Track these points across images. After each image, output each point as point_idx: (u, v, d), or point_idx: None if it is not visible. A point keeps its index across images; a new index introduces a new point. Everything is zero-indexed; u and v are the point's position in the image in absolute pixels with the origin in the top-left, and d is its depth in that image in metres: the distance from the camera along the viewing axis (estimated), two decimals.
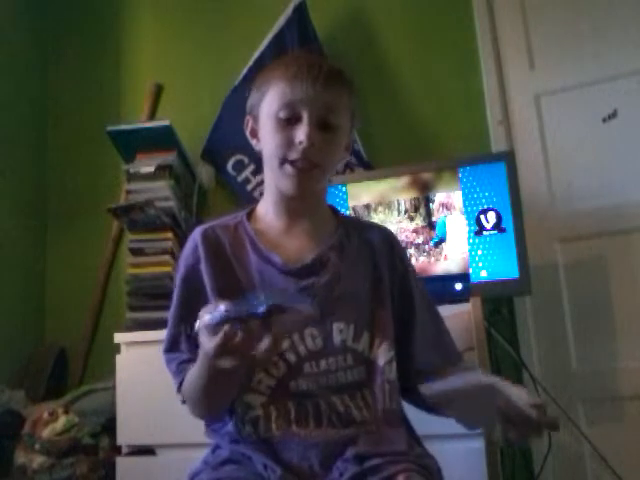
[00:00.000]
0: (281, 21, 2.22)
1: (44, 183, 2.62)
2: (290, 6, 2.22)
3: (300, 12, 2.22)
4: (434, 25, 2.27)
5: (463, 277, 1.80)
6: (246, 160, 2.23)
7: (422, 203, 1.88)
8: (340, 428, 1.00)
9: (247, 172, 2.23)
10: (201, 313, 0.86)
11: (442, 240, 1.85)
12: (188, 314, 1.04)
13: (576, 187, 2.03)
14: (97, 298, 2.44)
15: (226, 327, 0.82)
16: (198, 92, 2.46)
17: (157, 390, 1.82)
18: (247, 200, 2.14)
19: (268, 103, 1.08)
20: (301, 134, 1.04)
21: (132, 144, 2.27)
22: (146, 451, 1.83)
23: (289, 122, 1.05)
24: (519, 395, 0.88)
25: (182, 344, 1.08)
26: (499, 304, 1.98)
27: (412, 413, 1.13)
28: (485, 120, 2.15)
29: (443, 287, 1.78)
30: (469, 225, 1.83)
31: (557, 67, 2.11)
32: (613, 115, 2.01)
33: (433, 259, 1.85)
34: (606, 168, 2.00)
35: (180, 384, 1.06)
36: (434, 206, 1.87)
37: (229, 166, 2.26)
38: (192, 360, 1.01)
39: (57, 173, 2.62)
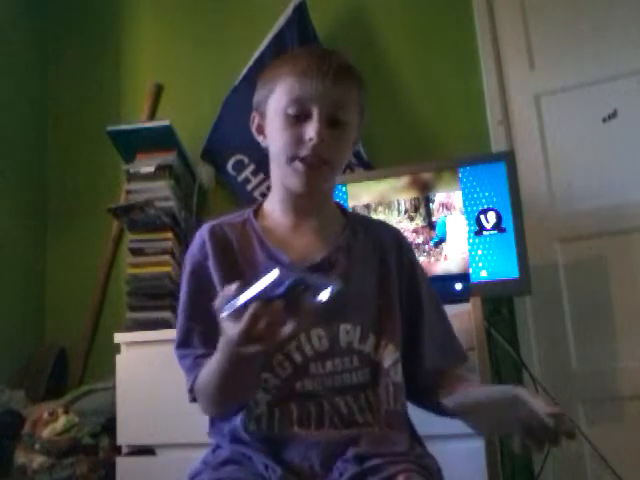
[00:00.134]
0: (281, 21, 2.22)
1: (44, 183, 2.62)
2: (290, 6, 2.22)
3: (300, 12, 2.22)
4: (434, 25, 2.27)
5: (463, 277, 1.80)
6: (246, 160, 2.24)
7: (422, 203, 1.88)
8: (342, 429, 1.00)
9: (247, 172, 2.23)
10: (221, 300, 0.85)
11: (442, 240, 1.85)
12: (198, 310, 1.05)
13: (576, 187, 2.03)
14: (97, 298, 2.44)
15: (249, 311, 0.80)
16: (198, 92, 2.46)
17: (157, 390, 1.83)
18: (247, 200, 2.14)
19: (276, 99, 1.07)
20: (311, 131, 1.03)
21: (132, 144, 2.27)
22: (146, 451, 1.83)
23: (298, 119, 1.04)
24: (539, 405, 0.87)
25: (195, 339, 1.06)
26: (499, 304, 1.98)
27: (412, 413, 1.13)
28: (485, 120, 2.15)
29: (443, 287, 1.78)
30: (469, 225, 1.83)
31: (557, 67, 2.11)
32: (613, 115, 2.01)
33: (433, 259, 1.85)
34: (606, 168, 2.00)
35: (194, 380, 1.04)
36: (434, 206, 1.87)
37: (229, 166, 2.26)
38: (207, 355, 1.00)
39: (57, 173, 2.62)
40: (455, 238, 1.84)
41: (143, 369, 1.88)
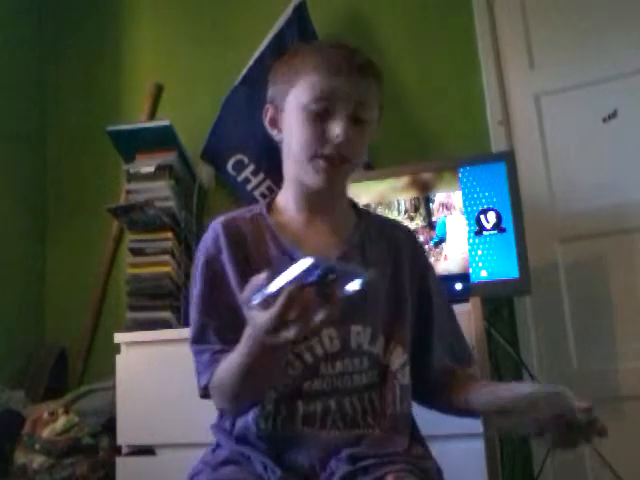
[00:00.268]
0: (281, 21, 2.22)
1: (44, 183, 2.62)
2: (290, 6, 2.22)
3: (300, 12, 2.21)
4: (434, 25, 2.27)
5: (463, 277, 1.80)
6: (246, 160, 2.23)
7: (422, 203, 1.88)
8: (344, 430, 1.00)
9: (247, 172, 2.23)
10: (250, 289, 0.83)
11: (442, 240, 1.85)
12: (213, 305, 1.05)
13: (576, 187, 2.03)
14: (97, 298, 2.44)
15: (283, 296, 0.78)
16: (198, 92, 2.46)
17: (157, 390, 1.83)
18: (247, 200, 2.14)
19: (298, 94, 1.05)
20: (337, 129, 1.01)
21: (132, 144, 2.27)
22: (146, 451, 1.83)
23: (321, 115, 1.03)
24: (576, 402, 0.89)
25: (211, 335, 1.04)
26: (499, 304, 1.98)
27: (413, 413, 1.13)
28: (485, 120, 2.15)
29: (443, 287, 1.78)
30: (469, 225, 1.83)
31: (557, 67, 2.11)
32: (613, 115, 2.01)
33: (433, 259, 1.84)
34: (606, 168, 2.00)
35: (211, 376, 1.02)
36: (434, 206, 1.87)
37: (229, 166, 2.26)
38: (225, 351, 0.99)
39: (57, 173, 2.62)
40: (455, 238, 1.84)
41: (143, 369, 1.88)
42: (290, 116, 1.06)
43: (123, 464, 1.82)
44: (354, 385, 1.02)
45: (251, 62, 2.24)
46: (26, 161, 2.58)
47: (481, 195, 1.83)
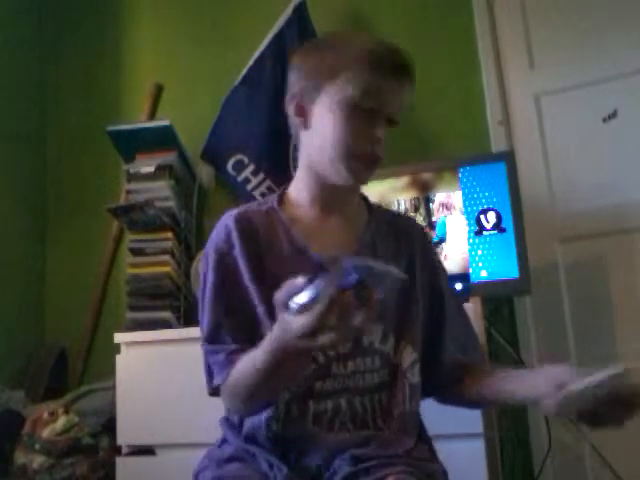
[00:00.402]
0: (281, 21, 2.22)
1: (44, 183, 2.62)
2: (290, 6, 2.22)
3: (300, 12, 2.21)
4: (434, 25, 2.27)
5: (463, 277, 1.80)
6: (246, 160, 2.23)
7: (422, 203, 1.88)
8: (353, 432, 0.99)
9: (247, 172, 2.23)
10: (285, 293, 0.81)
11: (442, 240, 1.85)
12: (226, 303, 1.03)
13: (576, 187, 2.03)
14: (97, 298, 2.44)
15: (323, 301, 0.76)
16: (198, 92, 2.46)
17: (157, 390, 1.83)
18: (247, 200, 2.14)
19: (341, 88, 1.00)
20: (381, 130, 1.00)
21: (132, 144, 2.27)
22: (146, 451, 1.83)
23: (365, 112, 1.00)
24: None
25: (225, 335, 1.02)
26: (499, 304, 1.98)
27: None
28: (485, 120, 2.15)
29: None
30: (469, 225, 1.83)
31: (557, 67, 2.11)
32: (613, 115, 2.01)
33: None
34: (606, 168, 2.00)
35: (226, 377, 1.00)
36: (434, 206, 1.87)
37: (229, 166, 2.26)
38: (240, 351, 0.97)
39: (57, 173, 2.62)
40: (455, 238, 1.84)
41: (143, 369, 1.88)
42: (326, 109, 1.02)
43: (123, 464, 1.83)
44: (365, 384, 1.02)
45: (251, 62, 2.24)
46: (26, 161, 2.58)
47: (481, 195, 1.83)
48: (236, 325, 1.02)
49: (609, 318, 1.94)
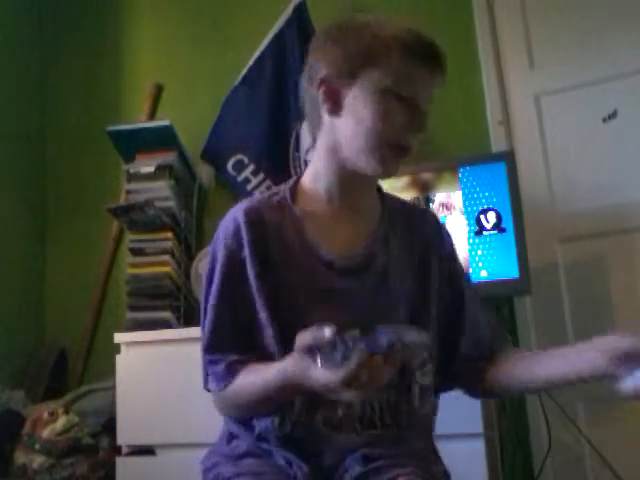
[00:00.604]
0: (281, 21, 2.22)
1: (44, 183, 2.62)
2: (290, 6, 2.22)
3: (300, 12, 2.22)
4: (434, 25, 2.26)
5: None
6: (246, 160, 2.23)
7: (422, 203, 1.88)
8: (362, 432, 0.98)
9: (247, 172, 2.23)
10: (310, 340, 0.81)
11: None
12: (230, 308, 1.00)
13: (576, 187, 2.03)
14: (97, 298, 2.44)
15: (355, 363, 0.79)
16: (198, 92, 2.46)
17: (157, 390, 1.83)
18: None
19: (382, 72, 0.97)
20: (422, 120, 0.98)
21: (132, 144, 2.27)
22: (146, 451, 1.83)
23: (405, 101, 0.97)
24: None
25: (226, 342, 0.99)
26: (499, 304, 1.98)
27: None
28: (485, 120, 2.15)
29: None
30: (469, 225, 1.83)
31: (557, 67, 2.11)
32: (613, 115, 2.01)
33: None
34: (606, 168, 2.00)
35: (224, 387, 0.99)
36: (434, 206, 1.87)
37: (229, 166, 2.26)
38: (241, 362, 0.97)
39: (57, 173, 2.62)
40: (455, 238, 1.84)
41: (143, 369, 1.88)
42: (363, 95, 0.98)
43: (123, 464, 1.83)
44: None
45: (251, 62, 2.24)
46: (26, 161, 2.58)
47: (481, 195, 1.83)
48: (238, 332, 1.00)
49: (609, 318, 1.94)
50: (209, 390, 1.03)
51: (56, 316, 2.50)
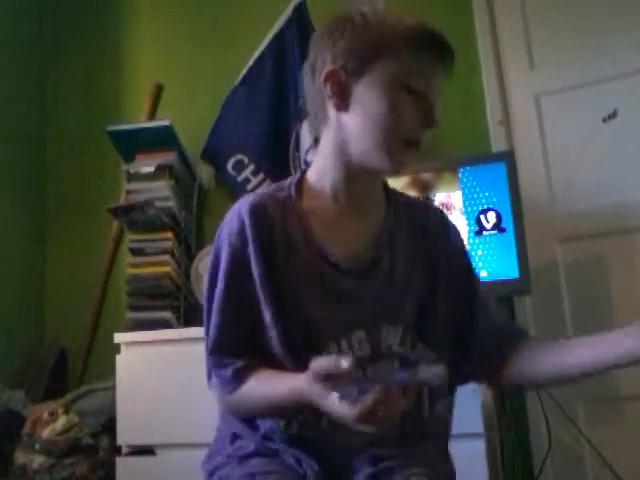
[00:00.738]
0: (281, 21, 2.22)
1: (44, 183, 2.62)
2: (290, 6, 2.22)
3: (300, 12, 2.22)
4: (434, 25, 2.27)
5: None
6: (246, 160, 2.23)
7: None
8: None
9: (247, 172, 2.23)
10: (327, 368, 0.80)
11: None
12: (235, 308, 0.98)
13: (576, 187, 2.03)
14: (97, 298, 2.44)
15: (373, 398, 0.77)
16: (198, 92, 2.46)
17: (157, 390, 1.83)
18: None
19: (392, 65, 0.95)
20: (433, 113, 0.97)
21: (132, 144, 2.27)
22: (146, 451, 1.83)
23: (412, 94, 0.95)
24: None
25: (232, 345, 0.98)
26: (499, 304, 1.98)
27: None
28: (485, 120, 2.15)
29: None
30: (469, 225, 1.83)
31: (557, 67, 2.11)
32: (613, 115, 2.01)
33: None
34: (606, 168, 2.00)
35: (231, 392, 0.97)
36: None
37: (229, 166, 2.26)
38: (250, 368, 0.95)
39: (57, 173, 2.62)
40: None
41: (143, 369, 1.88)
42: (372, 89, 0.95)
43: (123, 464, 1.82)
44: None
45: (251, 62, 2.24)
46: (26, 161, 2.58)
47: (481, 195, 1.83)
48: (243, 331, 0.98)
49: (609, 318, 1.94)
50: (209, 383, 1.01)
51: (56, 316, 2.50)
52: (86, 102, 2.62)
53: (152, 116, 2.48)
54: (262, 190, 1.07)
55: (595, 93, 2.03)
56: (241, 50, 2.29)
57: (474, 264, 1.14)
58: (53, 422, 1.88)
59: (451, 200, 1.85)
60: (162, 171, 2.21)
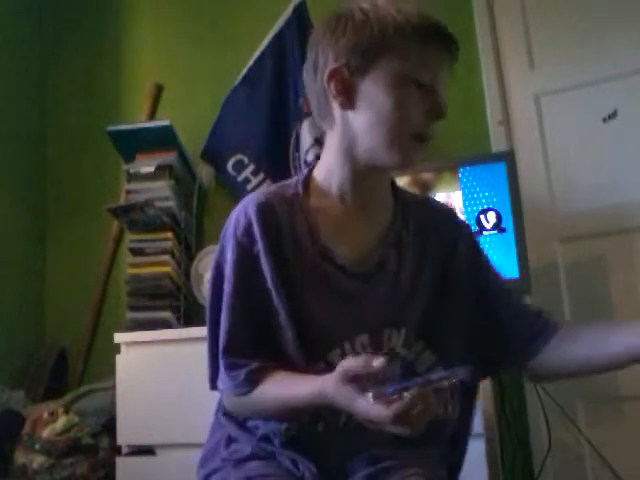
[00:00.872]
0: (281, 21, 2.22)
1: (44, 183, 2.62)
2: (290, 6, 2.22)
3: (300, 12, 2.21)
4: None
5: None
6: (246, 160, 2.23)
7: None
8: (366, 431, 0.94)
9: (247, 172, 2.23)
10: (359, 368, 0.80)
11: None
12: (246, 307, 0.96)
13: (576, 187, 2.03)
14: (97, 298, 2.44)
15: (410, 398, 0.76)
16: (198, 92, 2.46)
17: (157, 390, 1.83)
18: None
19: (398, 60, 0.93)
20: (442, 106, 0.95)
21: (132, 144, 2.27)
22: (146, 451, 1.83)
23: (419, 88, 0.94)
24: None
25: (244, 345, 0.95)
26: None
27: None
28: (485, 120, 2.15)
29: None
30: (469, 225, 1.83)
31: (557, 67, 2.11)
32: (613, 115, 2.01)
33: None
34: (606, 168, 2.00)
35: (244, 393, 0.95)
36: None
37: (229, 166, 2.26)
38: (264, 369, 0.93)
39: (57, 173, 2.62)
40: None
41: (143, 369, 1.88)
42: (379, 85, 0.94)
43: (123, 464, 1.83)
44: None
45: (251, 62, 2.24)
46: (26, 161, 2.58)
47: (481, 195, 1.83)
48: (255, 331, 0.96)
49: (609, 318, 1.94)
50: (216, 389, 1.00)
51: (56, 316, 2.50)
52: (86, 102, 2.62)
53: (152, 116, 2.48)
54: (268, 188, 1.05)
55: (595, 93, 2.03)
56: (241, 50, 2.29)
57: (488, 258, 1.11)
58: (53, 422, 1.88)
59: (451, 200, 1.85)
60: (162, 171, 2.21)
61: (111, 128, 2.28)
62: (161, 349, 1.89)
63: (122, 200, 2.31)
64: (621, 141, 1.99)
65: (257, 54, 2.23)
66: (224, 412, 1.05)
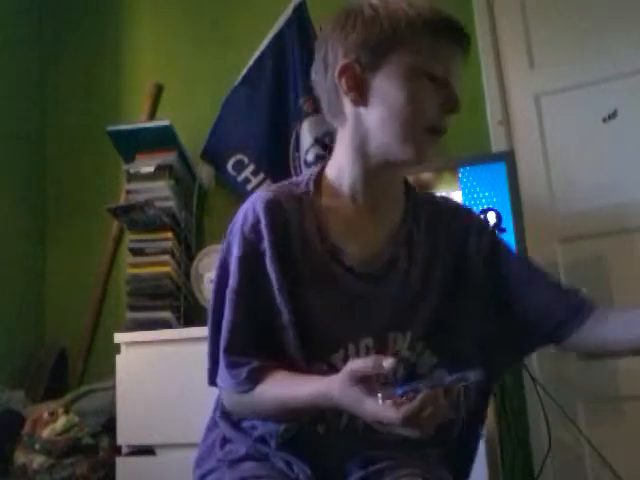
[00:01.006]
0: (281, 21, 2.22)
1: (44, 183, 2.62)
2: (290, 6, 2.22)
3: (300, 12, 2.22)
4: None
5: None
6: (246, 160, 2.23)
7: None
8: (363, 433, 0.96)
9: (247, 172, 2.23)
10: (367, 369, 0.79)
11: None
12: (250, 306, 0.94)
13: (576, 187, 2.03)
14: (97, 298, 2.44)
15: (420, 400, 0.76)
16: (198, 92, 2.46)
17: (157, 390, 1.83)
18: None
19: (411, 54, 0.93)
20: (456, 99, 0.93)
21: (132, 144, 2.27)
22: (146, 451, 1.83)
23: (433, 81, 0.93)
24: None
25: (247, 344, 0.94)
26: None
27: None
28: (485, 120, 2.15)
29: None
30: None
31: (557, 67, 2.11)
32: (613, 115, 2.01)
33: None
34: (606, 168, 2.00)
35: (246, 391, 0.94)
36: None
37: (229, 166, 2.26)
38: (266, 368, 0.92)
39: (57, 173, 2.62)
40: None
41: (143, 369, 1.88)
42: (392, 80, 0.93)
43: (123, 464, 1.83)
44: None
45: (251, 62, 2.24)
46: (26, 161, 2.58)
47: (481, 195, 1.83)
48: (258, 333, 0.95)
49: None
50: (215, 385, 0.99)
51: (56, 316, 2.50)
52: (86, 102, 2.62)
53: (152, 116, 2.48)
54: (277, 185, 1.03)
55: (595, 93, 2.03)
56: (241, 50, 2.30)
57: (509, 248, 1.09)
58: (53, 422, 1.88)
59: None
60: (162, 171, 2.21)
61: (111, 128, 2.28)
62: (161, 349, 1.89)
63: (122, 200, 2.31)
64: (621, 141, 1.99)
65: (257, 54, 2.24)
66: (220, 412, 1.04)
